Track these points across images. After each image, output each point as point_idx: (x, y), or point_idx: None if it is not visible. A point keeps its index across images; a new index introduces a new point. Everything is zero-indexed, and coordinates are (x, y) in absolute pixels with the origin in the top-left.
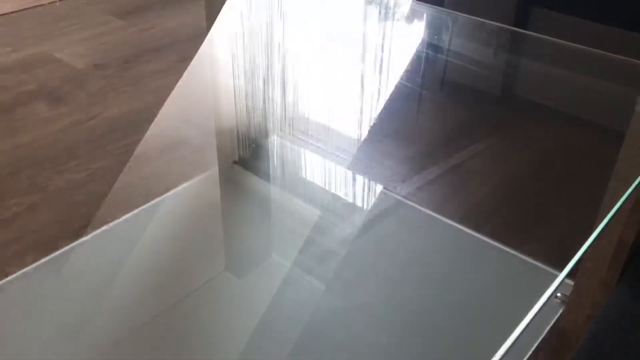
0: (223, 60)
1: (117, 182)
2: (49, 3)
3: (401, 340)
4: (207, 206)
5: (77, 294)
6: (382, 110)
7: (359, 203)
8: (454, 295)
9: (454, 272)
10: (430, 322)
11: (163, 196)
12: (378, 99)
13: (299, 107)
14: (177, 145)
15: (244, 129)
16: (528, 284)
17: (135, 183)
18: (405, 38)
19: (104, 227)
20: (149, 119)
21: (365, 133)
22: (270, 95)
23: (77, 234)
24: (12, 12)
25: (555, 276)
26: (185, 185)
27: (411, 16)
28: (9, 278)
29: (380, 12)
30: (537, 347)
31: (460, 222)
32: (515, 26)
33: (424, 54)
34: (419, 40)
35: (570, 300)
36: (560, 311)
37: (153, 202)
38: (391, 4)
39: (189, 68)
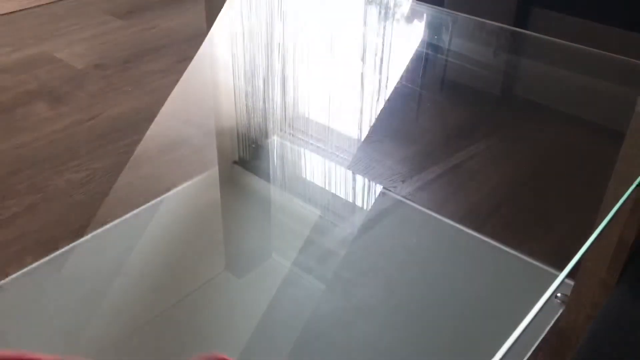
0: (223, 60)
1: (117, 182)
2: (49, 3)
3: (401, 340)
4: (207, 206)
5: (77, 294)
6: (382, 110)
7: (359, 203)
8: (454, 295)
9: (454, 272)
10: (430, 322)
11: (163, 196)
12: (378, 99)
13: (299, 107)
14: (177, 145)
15: (244, 129)
16: (528, 284)
17: (135, 183)
18: (405, 38)
19: (104, 227)
20: (149, 119)
21: (365, 133)
22: (270, 95)
23: (77, 234)
24: (12, 12)
25: (555, 276)
26: (185, 185)
27: (411, 16)
28: (9, 278)
29: (380, 12)
30: (537, 347)
31: (460, 222)
32: (515, 26)
33: (424, 54)
34: (419, 40)
35: (570, 300)
36: (560, 311)
37: (153, 202)
38: (391, 4)
39: (189, 68)
